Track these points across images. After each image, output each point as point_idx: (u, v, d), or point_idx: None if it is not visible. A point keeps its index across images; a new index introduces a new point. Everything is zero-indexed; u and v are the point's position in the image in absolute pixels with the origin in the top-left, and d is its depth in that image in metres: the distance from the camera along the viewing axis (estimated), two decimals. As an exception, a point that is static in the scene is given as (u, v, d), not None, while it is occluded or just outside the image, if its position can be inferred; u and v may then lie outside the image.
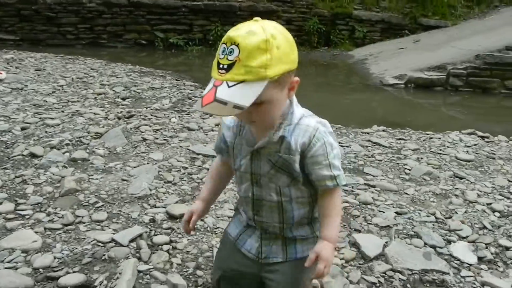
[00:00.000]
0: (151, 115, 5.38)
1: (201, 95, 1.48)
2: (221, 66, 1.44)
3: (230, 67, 1.43)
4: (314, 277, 1.71)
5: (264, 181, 1.70)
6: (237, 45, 1.42)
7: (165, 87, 7.20)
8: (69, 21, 12.80)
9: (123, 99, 6.24)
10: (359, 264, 2.77)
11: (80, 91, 6.52)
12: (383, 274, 2.68)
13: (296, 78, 1.59)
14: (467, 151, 4.88)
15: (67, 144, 4.27)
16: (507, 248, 3.02)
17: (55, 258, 2.65)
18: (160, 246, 2.81)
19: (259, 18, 1.52)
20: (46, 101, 5.79)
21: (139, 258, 2.68)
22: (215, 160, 1.96)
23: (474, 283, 2.67)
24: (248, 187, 1.74)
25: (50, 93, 6.27)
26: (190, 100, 6.44)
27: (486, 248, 3.02)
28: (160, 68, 9.57)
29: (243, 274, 1.88)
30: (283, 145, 1.63)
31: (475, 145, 5.18)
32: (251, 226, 1.83)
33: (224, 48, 1.45)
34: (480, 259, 2.91)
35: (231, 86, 1.42)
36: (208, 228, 3.03)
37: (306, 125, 1.63)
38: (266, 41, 1.43)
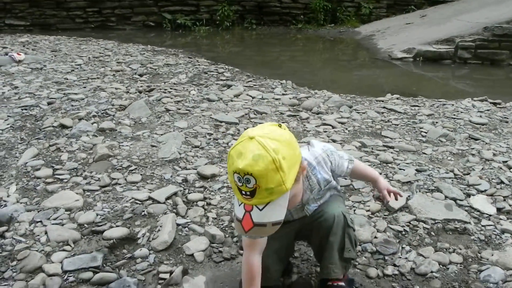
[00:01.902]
0: (171, 88, 5.54)
1: (236, 217, 1.67)
2: (243, 192, 1.60)
3: (253, 193, 1.58)
4: (390, 198, 2.34)
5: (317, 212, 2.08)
6: (251, 174, 1.55)
7: (180, 64, 7.34)
8: (78, 5, 12.94)
9: (141, 75, 6.38)
10: (384, 215, 2.92)
11: (98, 69, 6.68)
12: (408, 224, 2.82)
13: (304, 164, 1.81)
14: (480, 116, 5.01)
15: (94, 116, 4.43)
16: (524, 200, 3.16)
17: (97, 215, 2.82)
18: (195, 203, 2.98)
19: (254, 134, 1.61)
20: (67, 79, 5.95)
21: (177, 213, 2.85)
22: (251, 258, 1.93)
23: (495, 231, 2.80)
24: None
25: (69, 72, 6.43)
26: (206, 75, 6.57)
27: (504, 200, 3.14)
28: (169, 48, 9.67)
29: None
30: (321, 183, 2.03)
31: (487, 110, 5.29)
32: None
33: (239, 177, 1.58)
34: (499, 210, 3.03)
35: (262, 208, 1.60)
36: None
37: (319, 157, 2.05)
38: (273, 161, 1.56)
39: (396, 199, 2.43)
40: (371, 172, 2.33)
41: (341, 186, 2.37)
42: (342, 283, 2.09)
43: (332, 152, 2.09)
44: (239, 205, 1.64)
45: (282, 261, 2.17)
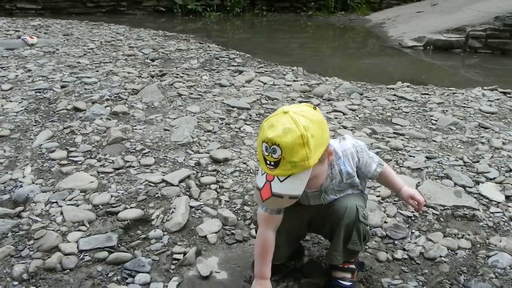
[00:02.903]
0: (183, 73, 5.58)
1: (257, 187, 1.72)
2: (268, 162, 1.66)
3: (277, 164, 1.64)
4: (420, 208, 2.19)
5: (334, 201, 2.05)
6: (278, 145, 1.61)
7: (192, 49, 7.37)
8: (89, -11, 12.94)
9: (153, 60, 6.42)
10: (394, 201, 2.95)
11: (110, 53, 6.72)
12: (418, 209, 2.85)
13: (331, 147, 1.86)
14: (490, 105, 5.02)
15: (107, 100, 4.48)
16: (533, 188, 3.18)
17: (112, 196, 2.87)
18: (208, 186, 3.02)
19: (288, 109, 1.69)
20: (79, 63, 6.00)
21: (190, 196, 2.89)
22: (265, 233, 2.00)
23: (503, 218, 2.83)
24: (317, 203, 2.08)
25: (81, 55, 6.48)
26: (218, 60, 6.61)
27: (513, 188, 3.18)
28: (180, 33, 9.69)
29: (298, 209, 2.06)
30: (344, 175, 2.01)
31: (497, 99, 5.29)
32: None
33: (266, 147, 1.65)
34: (507, 197, 3.06)
35: (283, 180, 1.65)
36: (251, 170, 3.23)
37: (348, 150, 2.01)
38: (301, 136, 1.62)
39: (418, 210, 2.24)
40: (398, 181, 2.22)
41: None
42: (346, 283, 2.14)
43: (362, 150, 2.06)
44: (262, 175, 1.70)
45: (292, 242, 2.21)
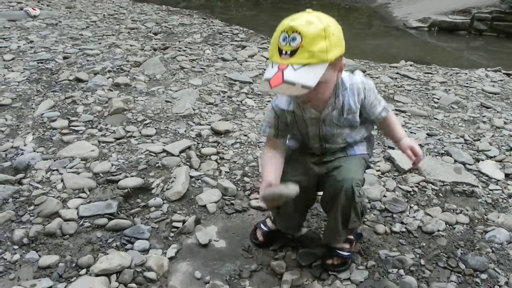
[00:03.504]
0: (185, 47, 5.57)
1: (265, 78, 1.64)
2: (283, 52, 1.61)
3: (293, 52, 1.59)
4: (417, 161, 1.97)
5: (331, 137, 2.00)
6: (299, 33, 1.58)
7: (195, 24, 7.35)
8: (92, -37, 12.82)
9: (155, 33, 6.40)
10: (394, 175, 2.96)
11: (113, 26, 6.69)
12: (417, 184, 2.86)
13: (344, 61, 1.80)
14: (493, 85, 5.00)
15: (109, 71, 4.48)
16: (534, 168, 3.19)
17: (112, 165, 2.88)
18: (208, 157, 3.03)
19: (311, 10, 1.68)
20: (82, 35, 5.98)
21: (190, 166, 2.90)
22: (269, 153, 2.03)
23: (502, 195, 2.84)
24: (315, 142, 2.03)
25: (84, 28, 6.46)
26: (221, 35, 6.58)
27: (513, 166, 3.18)
28: (183, 9, 9.64)
29: (302, 179, 2.06)
30: (345, 108, 1.93)
31: (501, 80, 5.27)
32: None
33: (285, 36, 1.61)
34: (507, 175, 3.06)
35: (297, 69, 1.59)
36: (252, 142, 3.24)
37: (355, 84, 1.92)
38: (324, 29, 1.60)
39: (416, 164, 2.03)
40: (400, 131, 2.08)
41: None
42: (344, 253, 2.17)
43: (370, 89, 1.97)
44: (272, 67, 1.64)
45: (301, 207, 2.21)
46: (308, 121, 1.96)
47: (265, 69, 4.55)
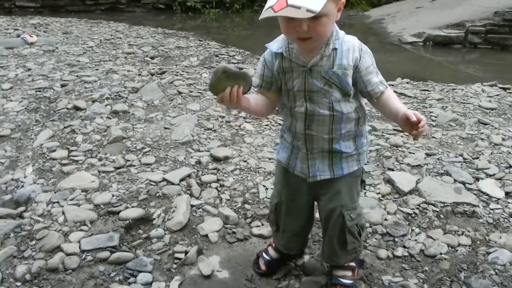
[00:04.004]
0: (182, 71, 5.59)
1: (267, 7, 1.59)
2: None
3: None
4: (420, 131, 1.74)
5: (317, 97, 1.83)
6: None
7: (191, 46, 7.37)
8: (88, -13, 12.93)
9: (152, 57, 6.42)
10: (394, 198, 2.97)
11: (110, 51, 6.72)
12: (418, 206, 2.87)
13: (343, 1, 1.73)
14: (490, 101, 5.02)
15: (107, 98, 4.49)
16: (533, 185, 3.20)
17: (113, 195, 2.88)
18: (208, 184, 3.04)
19: None
20: (79, 61, 6.00)
21: (191, 195, 2.91)
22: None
23: (503, 214, 2.84)
24: (302, 103, 1.86)
25: (81, 54, 6.48)
26: (217, 58, 6.61)
27: (513, 184, 3.19)
28: (179, 30, 9.68)
29: (296, 197, 2.08)
30: (337, 60, 1.78)
31: (497, 95, 5.30)
32: (297, 148, 1.98)
33: None
34: (507, 194, 3.07)
35: None
36: (252, 168, 3.24)
37: (351, 40, 1.81)
38: None
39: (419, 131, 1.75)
40: (401, 104, 1.87)
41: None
42: (347, 281, 2.15)
43: (368, 52, 1.84)
44: None
45: (300, 235, 2.25)
46: (295, 68, 1.83)
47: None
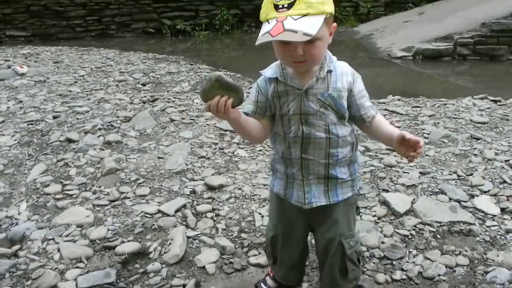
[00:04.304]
0: (174, 97, 5.60)
1: (264, 32, 1.64)
2: (280, 6, 1.63)
3: (291, 5, 1.62)
4: (419, 152, 1.76)
5: (314, 120, 1.84)
6: None
7: (182, 71, 7.39)
8: (78, 14, 12.98)
9: (144, 84, 6.43)
10: (391, 220, 2.97)
11: (101, 80, 6.72)
12: (414, 227, 2.87)
13: (335, 24, 1.78)
14: (481, 114, 5.04)
15: (99, 129, 4.48)
16: (528, 199, 3.20)
17: (108, 230, 2.86)
18: (204, 214, 3.03)
19: None
20: (71, 91, 6.01)
21: (187, 226, 2.90)
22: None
23: (499, 231, 2.85)
24: (298, 127, 1.85)
25: (72, 83, 6.48)
26: (209, 82, 6.62)
27: (508, 200, 3.18)
28: (169, 54, 9.70)
29: (292, 229, 2.08)
30: (332, 83, 1.82)
31: (488, 108, 5.32)
32: (291, 176, 1.97)
33: None
34: (502, 210, 3.07)
35: (297, 19, 1.60)
36: (246, 196, 3.24)
37: (344, 65, 1.87)
38: None
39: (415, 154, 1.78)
40: (392, 127, 1.92)
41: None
42: None
43: (359, 77, 1.90)
44: (269, 23, 1.65)
45: (297, 266, 2.25)
46: (290, 92, 1.84)
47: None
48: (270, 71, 1.90)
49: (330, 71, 1.82)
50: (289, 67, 1.83)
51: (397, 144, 1.80)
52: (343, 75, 1.84)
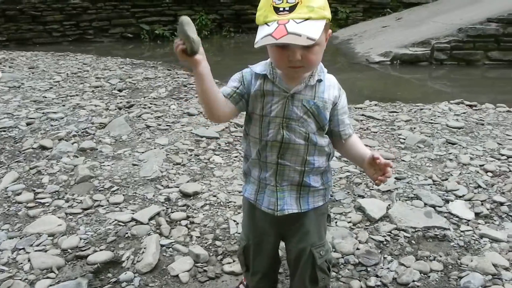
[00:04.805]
0: (150, 103, 5.55)
1: (265, 34, 1.59)
2: (281, 9, 1.61)
3: (292, 8, 1.60)
4: (386, 177, 1.75)
5: (295, 125, 1.81)
6: None
7: (159, 77, 7.34)
8: (55, 19, 12.83)
9: (120, 90, 6.36)
10: (366, 225, 2.97)
11: (77, 86, 6.64)
12: (389, 233, 2.87)
13: (330, 30, 1.78)
14: (457, 119, 5.09)
15: (74, 136, 4.42)
16: (501, 204, 3.22)
17: (80, 239, 2.82)
18: (178, 222, 2.99)
19: None
20: (46, 97, 5.92)
21: (160, 234, 2.86)
22: None
23: (473, 236, 2.86)
24: (277, 131, 1.81)
25: (47, 89, 6.39)
26: (186, 88, 6.58)
27: (482, 204, 3.21)
28: (147, 59, 9.65)
29: (263, 239, 2.05)
30: (319, 93, 1.81)
31: (464, 113, 5.37)
32: (264, 181, 1.93)
33: None
34: (477, 214, 3.10)
35: (299, 22, 1.58)
36: (221, 203, 3.21)
37: (332, 79, 1.87)
38: None
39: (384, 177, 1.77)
40: (365, 148, 1.93)
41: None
42: None
43: (344, 93, 1.90)
44: (269, 26, 1.61)
45: (270, 275, 2.21)
46: (276, 92, 1.80)
47: (231, 122, 4.58)
48: (259, 67, 1.85)
49: (320, 80, 1.81)
50: (283, 71, 1.79)
51: (367, 165, 1.81)
52: (331, 88, 1.84)
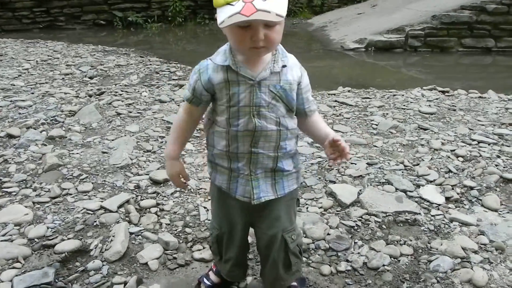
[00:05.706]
0: (122, 91, 5.48)
1: (232, 13, 1.55)
2: None
3: None
4: (341, 159, 1.86)
5: (266, 112, 1.79)
6: None
7: (131, 64, 7.25)
8: (24, 5, 12.57)
9: (91, 77, 6.27)
10: (337, 211, 2.96)
11: (46, 73, 6.53)
12: (360, 218, 2.87)
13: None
14: (429, 105, 5.11)
15: (42, 124, 4.34)
16: (471, 188, 3.25)
17: (48, 228, 2.76)
18: (148, 209, 2.95)
19: None
20: (14, 85, 5.80)
21: (129, 222, 2.82)
22: (181, 115, 1.97)
23: (444, 220, 2.88)
24: (248, 120, 1.78)
25: (16, 77, 6.27)
26: (158, 75, 6.52)
27: (452, 189, 3.23)
28: (120, 47, 9.53)
29: (235, 227, 2.03)
30: (283, 76, 1.79)
31: (436, 99, 5.41)
32: (236, 170, 1.90)
33: None
34: (447, 199, 3.12)
35: (265, 0, 1.55)
36: (192, 190, 3.18)
37: (294, 59, 1.85)
38: None
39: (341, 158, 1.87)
40: (327, 127, 1.97)
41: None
42: None
43: (305, 72, 1.89)
44: (234, 5, 1.57)
45: (242, 262, 2.21)
46: (242, 82, 1.76)
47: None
48: (219, 57, 1.78)
49: (284, 66, 1.78)
50: (243, 53, 1.73)
51: (328, 144, 1.84)
52: (294, 68, 1.82)
